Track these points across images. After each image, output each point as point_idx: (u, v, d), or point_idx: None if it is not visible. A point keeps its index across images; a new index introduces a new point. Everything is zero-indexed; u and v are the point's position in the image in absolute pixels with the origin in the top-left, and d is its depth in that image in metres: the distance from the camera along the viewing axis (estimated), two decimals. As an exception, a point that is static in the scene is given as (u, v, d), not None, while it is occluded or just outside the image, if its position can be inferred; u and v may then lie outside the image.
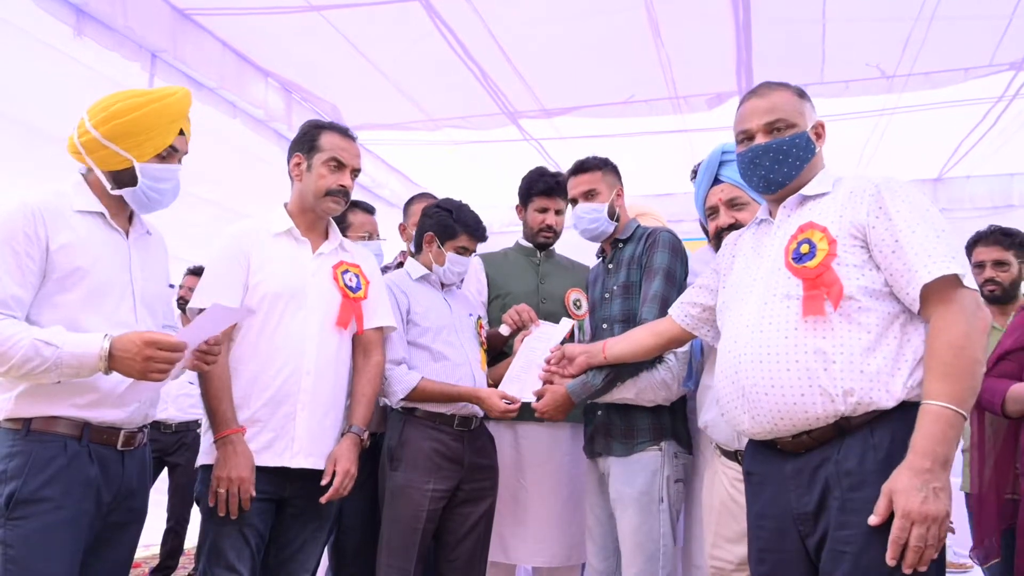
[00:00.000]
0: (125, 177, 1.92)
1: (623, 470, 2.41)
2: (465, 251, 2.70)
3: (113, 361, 1.74)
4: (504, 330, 2.78)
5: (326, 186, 2.32)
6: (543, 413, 2.40)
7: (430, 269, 2.72)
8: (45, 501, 1.73)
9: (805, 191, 1.79)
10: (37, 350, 1.69)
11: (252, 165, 4.27)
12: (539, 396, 2.41)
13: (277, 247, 2.30)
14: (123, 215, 2.00)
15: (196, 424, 4.39)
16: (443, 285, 2.76)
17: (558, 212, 3.01)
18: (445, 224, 2.69)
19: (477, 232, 2.70)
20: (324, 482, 2.20)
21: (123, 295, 1.93)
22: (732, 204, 2.25)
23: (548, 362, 2.41)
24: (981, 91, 4.02)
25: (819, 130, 1.83)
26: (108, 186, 1.92)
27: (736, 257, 1.96)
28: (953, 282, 1.54)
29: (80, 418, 1.81)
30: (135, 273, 1.97)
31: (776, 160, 1.78)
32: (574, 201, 2.64)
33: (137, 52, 3.12)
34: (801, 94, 1.84)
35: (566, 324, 2.65)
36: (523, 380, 2.55)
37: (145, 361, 1.73)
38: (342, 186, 2.34)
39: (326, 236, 2.41)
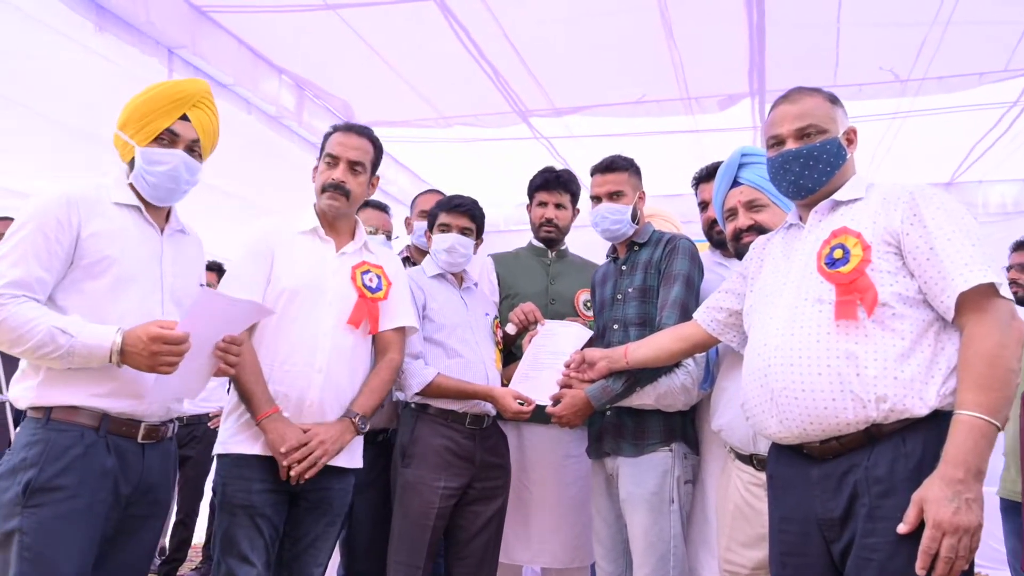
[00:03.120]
0: (134, 165, 1.96)
1: (633, 471, 2.39)
2: (447, 228, 2.69)
3: (124, 355, 1.77)
4: (510, 328, 2.77)
5: (321, 183, 2.36)
6: (560, 418, 2.38)
7: None
8: (60, 490, 1.75)
9: (838, 196, 1.78)
10: (53, 336, 1.73)
11: (266, 160, 4.29)
12: (556, 400, 2.40)
13: (301, 245, 2.32)
14: (160, 211, 2.03)
15: (207, 417, 4.41)
16: (460, 283, 2.76)
17: (558, 206, 2.99)
18: (431, 213, 2.77)
19: (451, 205, 2.71)
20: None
21: (152, 288, 1.95)
22: (751, 206, 2.25)
23: (568, 366, 2.40)
24: (995, 96, 4.01)
25: (851, 136, 1.82)
26: (126, 177, 1.96)
27: (764, 261, 1.95)
28: (989, 291, 1.53)
29: (98, 408, 1.83)
30: (166, 268, 1.99)
31: (806, 166, 1.77)
32: (597, 199, 2.60)
33: (155, 48, 3.15)
34: (833, 100, 1.83)
35: (582, 331, 2.63)
36: (535, 380, 2.53)
37: (151, 356, 1.76)
38: (334, 179, 2.34)
39: (352, 237, 2.42)
